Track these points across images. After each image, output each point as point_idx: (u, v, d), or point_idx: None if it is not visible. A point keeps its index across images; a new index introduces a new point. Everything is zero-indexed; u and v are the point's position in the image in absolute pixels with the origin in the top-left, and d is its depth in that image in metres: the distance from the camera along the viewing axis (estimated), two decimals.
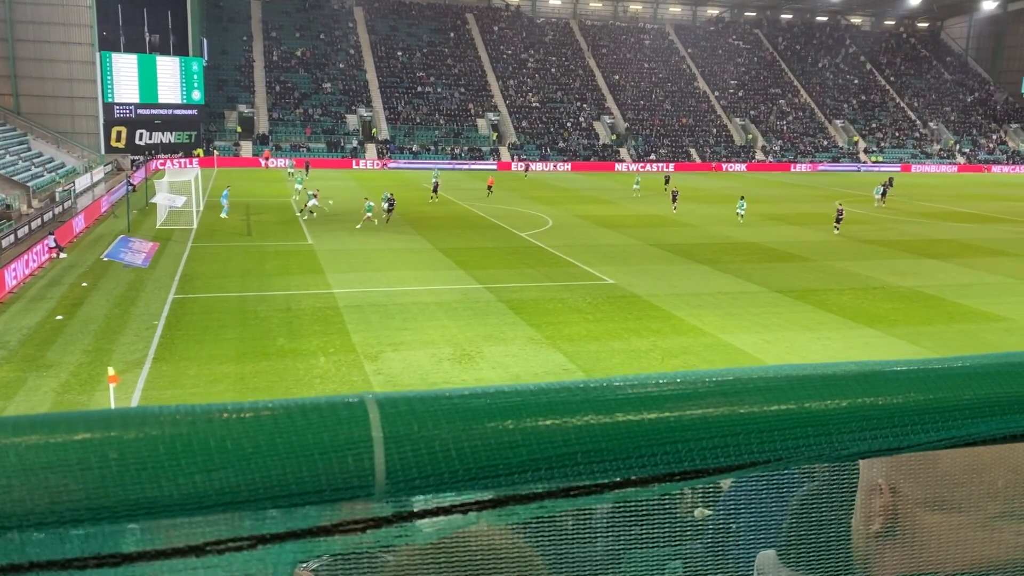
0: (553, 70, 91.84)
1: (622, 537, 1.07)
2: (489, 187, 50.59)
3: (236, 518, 0.76)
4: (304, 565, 0.82)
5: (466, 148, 78.45)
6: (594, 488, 0.85)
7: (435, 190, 48.49)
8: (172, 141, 71.03)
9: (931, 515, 1.12)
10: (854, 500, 1.19)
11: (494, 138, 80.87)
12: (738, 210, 41.28)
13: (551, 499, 0.84)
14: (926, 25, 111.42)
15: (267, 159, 71.60)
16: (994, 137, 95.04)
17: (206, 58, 75.40)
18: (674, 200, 45.33)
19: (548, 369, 18.40)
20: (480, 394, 0.84)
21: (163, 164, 63.73)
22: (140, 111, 69.44)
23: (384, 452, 0.78)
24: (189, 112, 71.81)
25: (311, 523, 0.78)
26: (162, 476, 0.73)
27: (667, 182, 46.37)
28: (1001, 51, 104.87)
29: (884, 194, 49.87)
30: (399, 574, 0.91)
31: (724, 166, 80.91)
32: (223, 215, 39.44)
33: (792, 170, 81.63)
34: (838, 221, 32.48)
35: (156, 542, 0.74)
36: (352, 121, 79.46)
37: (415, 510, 0.80)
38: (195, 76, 71.53)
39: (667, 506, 1.06)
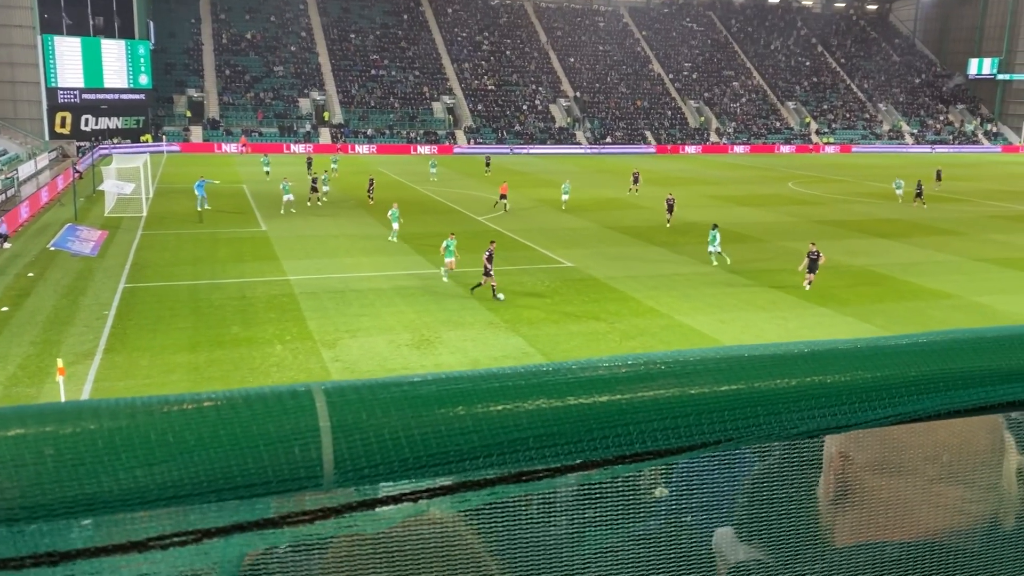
0: (508, 52, 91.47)
1: (579, 519, 1.06)
2: (502, 196, 39.22)
3: (180, 512, 0.75)
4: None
5: (422, 132, 77.86)
6: (547, 472, 0.84)
7: (370, 189, 41.25)
8: (119, 127, 69.31)
9: (878, 479, 1.15)
10: (809, 475, 1.21)
11: (450, 122, 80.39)
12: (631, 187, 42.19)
13: (503, 484, 0.83)
14: (875, 7, 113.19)
15: (244, 146, 70.11)
16: (941, 118, 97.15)
17: (153, 41, 73.55)
18: (635, 181, 45.43)
19: (507, 353, 18.43)
20: (430, 380, 0.83)
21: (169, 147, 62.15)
22: (85, 96, 67.57)
23: (332, 441, 0.76)
24: (136, 97, 70.08)
25: (258, 515, 0.76)
26: (101, 472, 0.71)
27: (635, 181, 45.84)
28: (947, 33, 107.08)
29: (920, 194, 42.87)
30: (350, 564, 0.90)
31: (681, 149, 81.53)
32: (204, 207, 37.55)
33: (741, 152, 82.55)
34: (811, 271, 23.52)
35: (96, 539, 0.72)
36: (305, 105, 78.31)
37: (365, 499, 0.79)
38: (142, 60, 69.77)
39: (626, 486, 1.06)
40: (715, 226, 28.57)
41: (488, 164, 57.53)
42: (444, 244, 25.21)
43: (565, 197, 39.74)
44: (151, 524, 0.73)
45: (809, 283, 24.00)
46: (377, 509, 0.79)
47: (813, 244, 24.51)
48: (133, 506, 0.72)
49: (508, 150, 75.94)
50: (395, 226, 30.88)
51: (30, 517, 0.69)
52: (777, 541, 1.18)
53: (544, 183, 51.09)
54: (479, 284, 23.00)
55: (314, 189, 39.73)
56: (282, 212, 36.81)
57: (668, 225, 34.48)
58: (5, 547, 0.69)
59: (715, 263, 27.47)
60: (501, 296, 22.61)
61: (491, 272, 22.61)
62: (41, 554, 0.70)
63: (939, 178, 50.68)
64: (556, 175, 56.07)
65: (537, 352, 18.46)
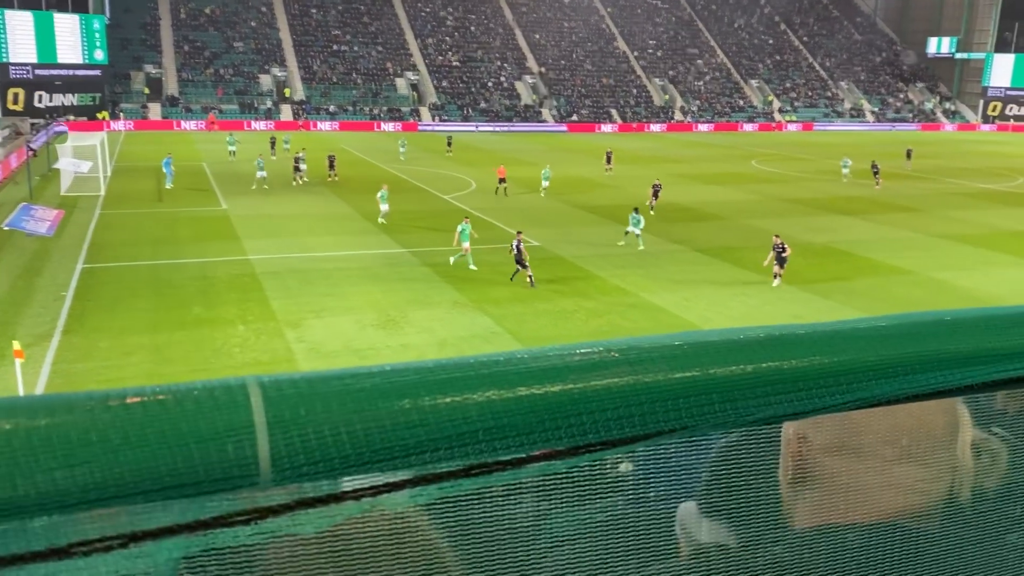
0: (473, 28, 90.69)
1: (536, 509, 1.04)
2: (501, 180, 37.13)
3: (105, 516, 0.70)
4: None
5: (385, 108, 77.07)
6: (498, 466, 0.81)
7: (331, 165, 40.44)
8: (75, 103, 67.67)
9: (836, 461, 1.14)
10: (771, 456, 1.20)
11: (414, 98, 79.66)
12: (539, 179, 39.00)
13: (454, 480, 0.80)
14: None
15: (212, 123, 68.72)
16: (901, 96, 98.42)
17: (108, 16, 71.76)
18: (608, 161, 45.22)
19: (475, 332, 18.41)
20: (374, 373, 0.79)
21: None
22: (38, 72, 65.83)
23: (268, 438, 0.72)
24: (92, 73, 68.42)
25: (190, 517, 0.72)
26: (16, 474, 0.67)
27: (608, 160, 45.48)
28: (908, 12, 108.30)
29: (877, 172, 42.35)
30: (292, 565, 0.86)
31: (645, 127, 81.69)
32: (168, 185, 37.22)
33: (704, 130, 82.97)
34: (779, 264, 22.13)
35: (12, 546, 0.68)
36: (266, 81, 77.04)
37: (305, 498, 0.75)
38: (97, 35, 68.06)
39: (583, 475, 1.04)
40: (636, 210, 27.68)
41: (449, 144, 55.84)
42: (459, 228, 24.03)
43: (545, 184, 37.09)
44: (73, 528, 0.69)
45: (778, 277, 22.41)
46: (319, 508, 0.75)
47: (777, 236, 22.95)
48: (52, 510, 0.67)
49: (473, 127, 75.49)
50: (384, 207, 29.82)
51: None
52: (740, 520, 1.17)
53: (512, 162, 50.93)
54: (516, 272, 22.43)
55: (297, 168, 38.82)
56: (253, 187, 36.45)
57: (652, 212, 32.39)
58: None
59: (622, 243, 26.90)
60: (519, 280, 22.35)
61: (526, 263, 22.14)
62: None
63: (909, 156, 50.67)
64: (523, 154, 55.89)
65: (505, 332, 18.46)
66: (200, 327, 18.39)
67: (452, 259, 23.89)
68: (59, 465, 0.68)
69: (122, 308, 19.63)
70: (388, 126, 73.89)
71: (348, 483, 0.77)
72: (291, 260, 24.45)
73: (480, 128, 75.86)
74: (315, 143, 55.54)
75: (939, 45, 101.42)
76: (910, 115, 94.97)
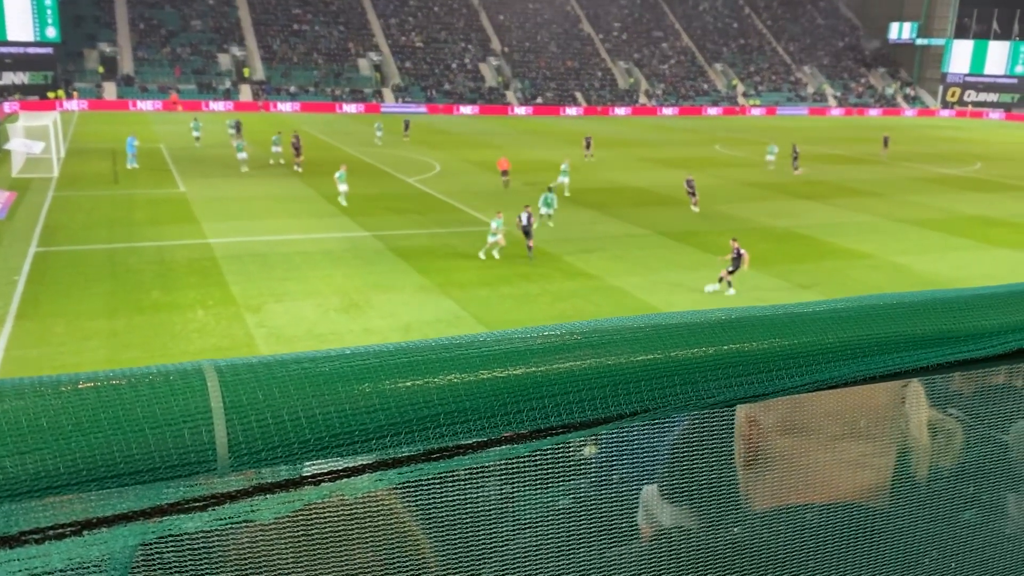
0: (436, 9, 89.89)
1: (509, 483, 1.04)
2: (504, 173, 34.86)
3: (58, 503, 0.69)
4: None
5: (348, 90, 76.19)
6: (459, 450, 0.81)
7: (299, 149, 38.41)
8: (26, 82, 65.86)
9: (786, 442, 1.16)
10: (729, 435, 1.21)
11: (377, 79, 78.86)
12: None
13: (414, 464, 0.79)
14: None
15: (175, 103, 67.21)
16: (862, 81, 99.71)
17: None
18: (588, 147, 44.63)
19: (439, 316, 18.36)
20: (332, 357, 0.78)
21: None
22: None
23: (225, 423, 0.71)
24: (44, 51, 66.60)
25: (146, 504, 0.71)
26: None
27: (588, 146, 44.82)
28: None
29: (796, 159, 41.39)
30: (252, 551, 0.85)
31: (610, 110, 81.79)
32: (130, 165, 36.50)
33: (669, 114, 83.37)
34: (733, 269, 20.36)
35: None
36: (224, 61, 75.68)
37: (264, 483, 0.74)
38: (49, 11, 66.20)
39: (546, 458, 1.04)
40: (550, 189, 27.76)
41: (407, 128, 52.56)
42: (493, 224, 22.85)
43: (565, 180, 32.99)
44: (24, 517, 0.67)
45: (726, 281, 20.66)
46: (278, 494, 0.74)
47: (735, 240, 21.31)
48: (1, 498, 0.66)
49: (422, 109, 74.90)
50: (343, 187, 29.81)
51: None
52: (700, 503, 1.18)
53: (476, 144, 50.71)
54: (529, 248, 23.42)
55: (297, 151, 37.42)
56: (244, 170, 36.00)
57: (696, 209, 30.53)
58: None
59: (552, 224, 26.74)
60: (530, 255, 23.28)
61: (531, 234, 23.53)
62: None
63: (886, 144, 49.98)
64: (488, 136, 55.68)
65: (469, 315, 18.44)
66: (158, 312, 18.11)
67: (482, 253, 23.05)
68: (8, 452, 0.66)
69: (78, 292, 19.24)
70: (349, 107, 73.02)
71: (308, 468, 0.76)
72: (251, 243, 24.13)
73: (462, 112, 75.30)
74: (276, 125, 54.78)
75: (900, 31, 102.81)
76: (872, 100, 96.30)
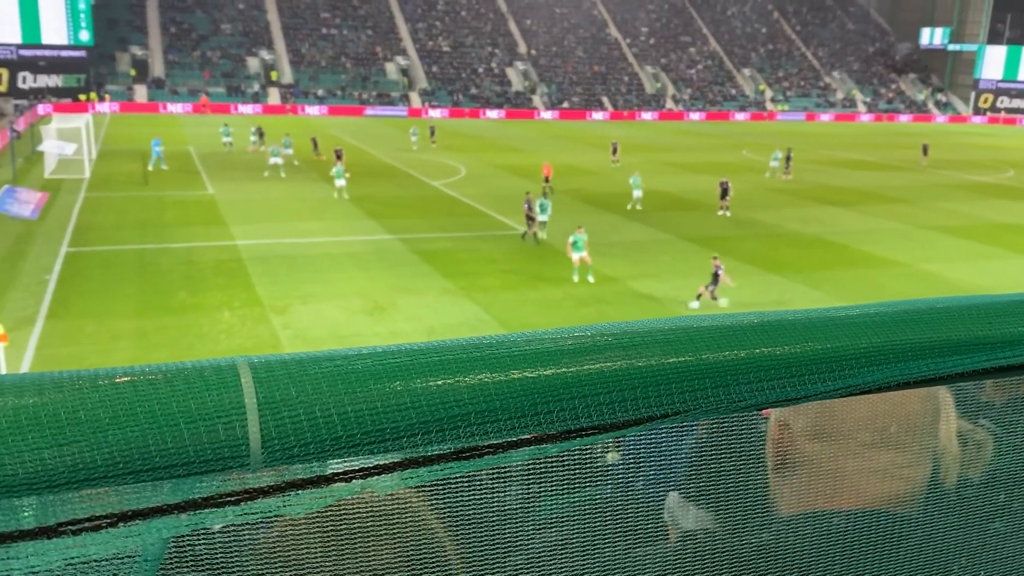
0: (463, 13, 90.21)
1: (533, 486, 1.04)
2: (546, 179, 34.38)
3: (95, 495, 0.70)
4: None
5: (375, 94, 76.65)
6: (488, 449, 0.81)
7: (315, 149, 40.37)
8: (60, 85, 66.96)
9: (817, 447, 1.15)
10: (756, 439, 1.21)
11: (404, 83, 79.26)
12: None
13: (445, 463, 0.80)
14: None
15: (204, 106, 68.00)
16: (893, 87, 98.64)
17: None
18: (614, 152, 44.48)
19: (463, 320, 18.40)
20: (365, 355, 0.78)
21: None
22: (22, 52, 65.07)
23: (259, 419, 0.72)
24: (77, 54, 67.68)
25: (180, 497, 0.72)
26: (4, 453, 0.66)
27: (615, 151, 44.79)
28: (901, 2, 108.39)
29: (789, 161, 41.63)
30: (282, 546, 0.86)
31: (637, 115, 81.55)
32: (161, 167, 36.81)
33: (696, 119, 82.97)
34: (713, 283, 19.51)
35: (1, 525, 0.67)
36: (253, 64, 76.45)
37: (296, 479, 0.75)
38: (82, 15, 67.27)
39: (574, 459, 1.04)
40: (545, 194, 26.66)
41: (433, 133, 51.04)
42: (571, 239, 21.34)
43: (638, 193, 31.40)
44: (62, 508, 0.68)
45: (710, 294, 19.92)
46: (309, 489, 0.75)
47: (716, 258, 20.64)
48: (40, 490, 0.67)
49: (441, 114, 75.14)
50: (339, 183, 30.92)
51: None
52: (727, 507, 1.18)
53: (502, 148, 50.80)
54: (529, 232, 25.21)
55: (339, 158, 36.73)
56: (283, 175, 36.12)
57: (728, 213, 30.49)
58: None
59: (544, 235, 26.00)
60: (529, 240, 24.77)
61: (534, 219, 25.15)
62: None
63: (925, 152, 48.60)
64: (513, 140, 55.76)
65: (493, 319, 18.46)
66: (186, 312, 18.31)
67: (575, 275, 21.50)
68: (47, 444, 0.67)
69: (107, 292, 19.51)
70: (377, 111, 73.41)
71: (339, 465, 0.76)
72: (278, 245, 24.34)
73: (488, 116, 75.48)
74: (303, 128, 55.25)
75: (931, 36, 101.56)
76: (902, 106, 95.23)
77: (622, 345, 0.85)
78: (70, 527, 0.68)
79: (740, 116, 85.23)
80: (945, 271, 23.86)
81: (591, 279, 21.29)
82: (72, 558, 0.68)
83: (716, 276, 19.93)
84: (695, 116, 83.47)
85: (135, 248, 23.74)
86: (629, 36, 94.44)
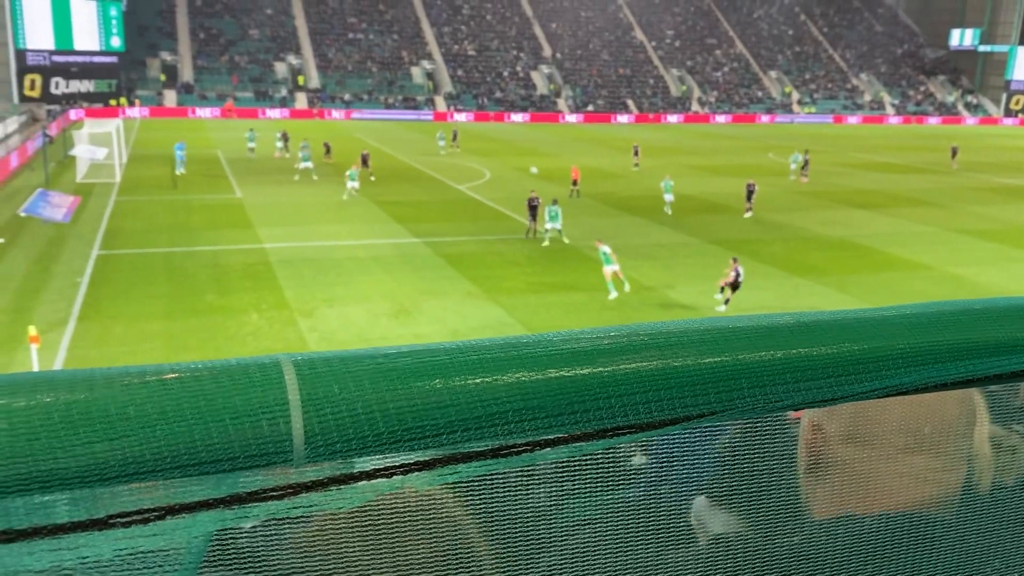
0: (488, 17, 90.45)
1: (559, 489, 1.04)
2: (574, 182, 34.25)
3: (143, 489, 0.71)
4: None
5: (400, 98, 77.05)
6: (526, 447, 0.82)
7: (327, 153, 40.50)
8: (91, 90, 68.00)
9: (850, 450, 1.14)
10: (787, 445, 1.20)
11: (429, 87, 79.60)
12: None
13: (482, 459, 0.81)
14: None
15: (230, 110, 68.79)
16: (921, 89, 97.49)
17: (124, 2, 71.98)
18: (636, 155, 44.32)
19: (487, 323, 18.42)
20: (405, 353, 0.80)
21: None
22: (55, 58, 66.15)
23: (302, 415, 0.73)
24: (108, 59, 68.71)
25: (226, 492, 0.73)
26: (57, 447, 0.68)
27: (636, 154, 44.68)
28: (930, 3, 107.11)
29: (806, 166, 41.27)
30: (323, 541, 0.87)
31: (662, 117, 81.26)
32: (179, 171, 37.37)
33: (722, 121, 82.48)
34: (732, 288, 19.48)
35: (54, 516, 0.69)
36: (281, 69, 77.17)
37: (338, 475, 0.76)
38: (113, 21, 68.31)
39: (607, 458, 1.04)
40: (555, 201, 26.15)
41: (455, 138, 50.39)
42: (601, 251, 20.55)
43: (670, 198, 30.88)
44: (112, 501, 0.70)
45: (725, 289, 19.81)
46: (351, 485, 0.76)
47: (735, 260, 20.10)
48: (92, 483, 0.68)
49: (466, 118, 75.28)
50: (351, 184, 31.73)
51: None
52: (755, 511, 1.17)
53: (526, 152, 50.84)
54: (535, 231, 26.21)
55: (365, 163, 37.58)
56: (315, 178, 36.23)
57: (750, 215, 30.61)
58: None
59: (547, 243, 25.47)
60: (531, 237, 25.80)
61: (534, 218, 26.26)
62: None
63: (954, 155, 47.77)
64: (539, 143, 55.78)
65: (516, 322, 18.47)
66: (214, 315, 18.50)
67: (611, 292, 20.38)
68: (98, 438, 0.69)
69: (137, 295, 19.76)
70: (403, 115, 73.73)
71: (379, 461, 0.77)
72: (305, 248, 24.52)
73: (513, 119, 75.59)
74: (330, 133, 55.64)
75: (962, 37, 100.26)
76: (931, 108, 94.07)
77: (658, 345, 0.86)
78: (120, 519, 0.70)
79: (766, 119, 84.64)
80: (974, 275, 23.53)
81: (627, 288, 20.49)
82: (121, 550, 0.69)
83: (737, 283, 19.59)
84: (721, 119, 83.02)
85: (164, 251, 24.04)
86: (655, 39, 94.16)
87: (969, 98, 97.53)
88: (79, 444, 0.68)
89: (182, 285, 20.64)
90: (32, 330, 14.90)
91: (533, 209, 26.29)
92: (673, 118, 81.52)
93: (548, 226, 25.64)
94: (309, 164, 36.89)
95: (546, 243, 25.59)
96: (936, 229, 29.80)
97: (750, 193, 31.08)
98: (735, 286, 19.76)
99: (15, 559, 0.68)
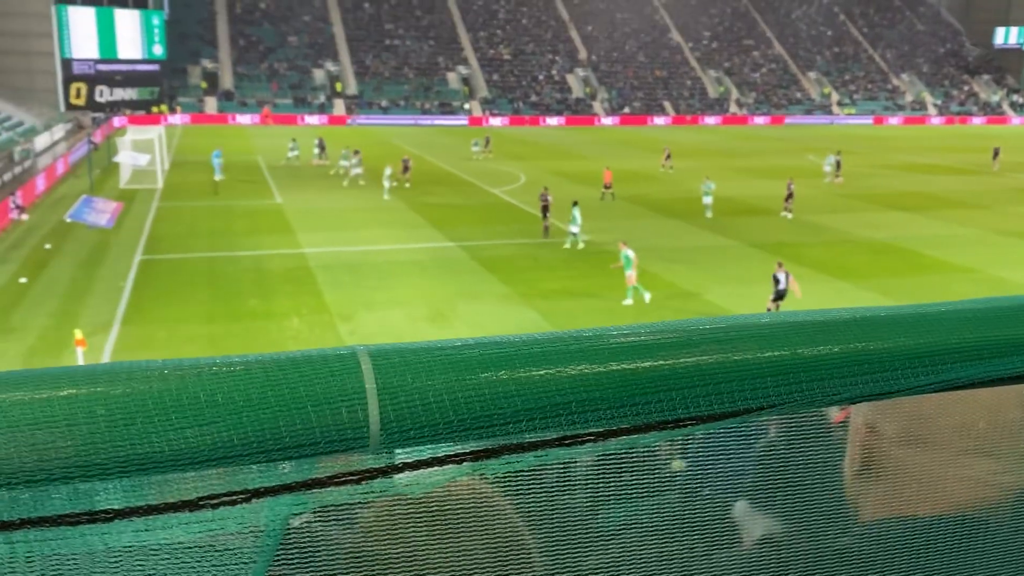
0: (524, 21, 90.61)
1: (601, 491, 1.06)
2: (606, 186, 33.96)
3: (230, 472, 0.75)
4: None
5: (436, 103, 77.49)
6: (589, 437, 0.85)
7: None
8: (134, 98, 69.40)
9: (904, 451, 1.14)
10: (834, 444, 1.20)
11: (465, 92, 79.94)
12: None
13: (548, 448, 0.83)
14: None
15: (267, 117, 69.77)
16: (965, 89, 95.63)
17: (167, 11, 73.40)
18: (667, 158, 44.20)
19: (522, 327, 18.44)
20: (473, 345, 0.83)
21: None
22: (100, 67, 67.62)
23: (378, 403, 0.77)
24: (151, 67, 70.08)
25: (306, 476, 0.77)
26: (151, 431, 0.72)
27: (668, 157, 44.44)
28: (973, 1, 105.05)
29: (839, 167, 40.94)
30: (391, 524, 0.91)
31: (700, 119, 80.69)
32: (217, 176, 37.99)
33: (760, 123, 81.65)
34: (777, 299, 19.04)
35: (148, 497, 0.73)
36: (319, 76, 78.07)
37: (410, 461, 0.79)
38: (156, 30, 69.68)
39: (645, 458, 1.06)
40: (575, 203, 25.61)
41: (487, 143, 49.56)
42: (622, 256, 20.20)
43: (708, 200, 30.66)
44: (202, 483, 0.74)
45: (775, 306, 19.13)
46: (423, 471, 0.79)
47: (780, 265, 19.50)
48: (183, 466, 0.73)
49: (501, 122, 75.36)
50: (387, 184, 33.51)
51: (85, 476, 0.70)
52: (800, 513, 1.18)
53: (561, 155, 50.84)
54: (545, 224, 27.11)
55: (406, 168, 37.81)
56: (363, 183, 36.58)
57: (790, 215, 30.64)
58: (63, 504, 0.70)
59: (568, 245, 25.33)
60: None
61: (546, 215, 27.18)
62: (97, 511, 0.71)
63: (996, 156, 46.67)
64: (574, 147, 55.73)
65: (551, 326, 18.46)
66: (255, 319, 18.77)
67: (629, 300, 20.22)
68: (190, 424, 0.73)
69: (179, 299, 20.12)
70: (438, 120, 74.10)
71: (450, 448, 0.81)
72: (344, 253, 24.78)
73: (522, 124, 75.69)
74: (367, 139, 56.12)
75: (1006, 36, 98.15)
76: (975, 108, 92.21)
77: (717, 339, 0.88)
78: (210, 501, 0.74)
79: (805, 120, 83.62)
80: (1019, 277, 23.02)
81: (647, 298, 20.08)
82: (213, 530, 0.73)
83: (781, 290, 18.72)
84: (759, 120, 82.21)
85: (206, 256, 24.44)
86: (691, 40, 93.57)
87: (1015, 97, 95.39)
88: (172, 430, 0.72)
89: (223, 289, 20.97)
90: (78, 333, 15.26)
91: (545, 208, 27.28)
92: (711, 120, 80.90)
93: (571, 229, 25.48)
94: (359, 170, 37.27)
95: (567, 246, 25.52)
96: (979, 231, 29.22)
97: (790, 193, 31.04)
98: (780, 296, 18.91)
99: (114, 538, 0.72)
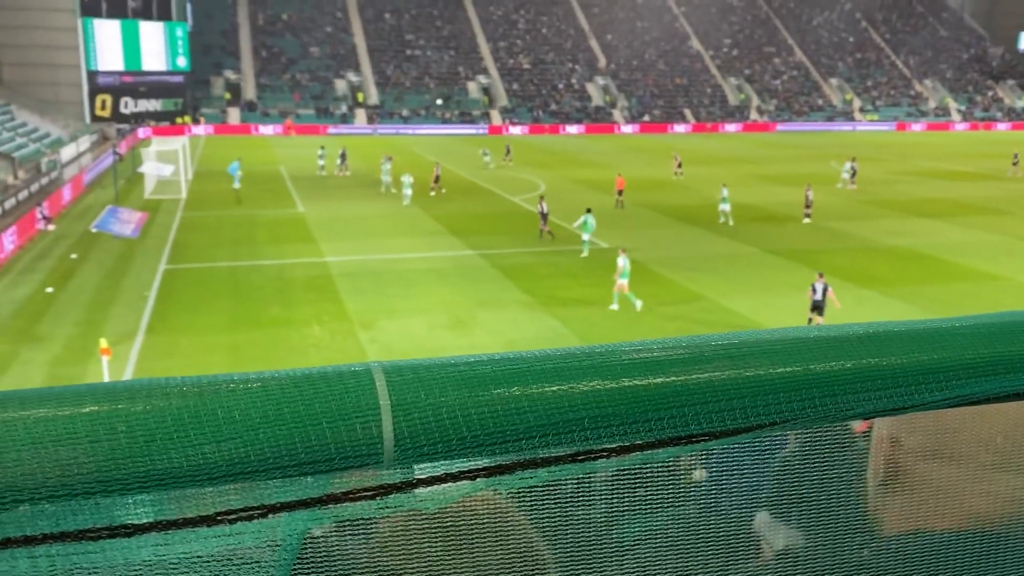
0: (544, 30, 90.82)
1: (620, 503, 1.06)
2: (619, 192, 34.44)
3: (247, 488, 0.77)
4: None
5: (457, 112, 77.79)
6: (602, 453, 0.85)
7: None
8: (158, 109, 70.24)
9: (928, 465, 1.13)
10: (855, 457, 1.20)
11: (485, 102, 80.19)
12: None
13: (561, 464, 0.84)
14: None
15: (289, 128, 70.36)
16: (989, 94, 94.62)
17: (190, 23, 74.28)
18: (679, 165, 44.18)
19: (542, 334, 18.44)
20: (486, 361, 0.84)
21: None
22: (125, 79, 68.53)
23: (392, 420, 0.78)
24: (175, 79, 70.92)
25: (321, 491, 0.78)
26: (171, 447, 0.74)
27: (679, 165, 44.46)
28: (997, 6, 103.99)
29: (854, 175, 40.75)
30: (405, 539, 0.92)
31: (720, 127, 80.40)
32: (235, 185, 38.25)
33: (782, 130, 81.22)
34: (817, 311, 18.48)
35: (167, 512, 0.74)
36: (341, 86, 78.64)
37: (424, 477, 0.80)
38: (180, 41, 70.54)
39: (660, 473, 1.06)
40: (588, 211, 25.70)
41: (508, 153, 50.22)
42: (620, 265, 20.26)
43: (726, 207, 30.57)
44: (219, 499, 0.76)
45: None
46: (437, 486, 0.80)
47: (821, 276, 19.08)
48: (202, 482, 0.74)
49: (521, 131, 75.45)
50: (407, 192, 33.94)
51: (106, 491, 0.71)
52: (821, 526, 1.17)
53: (581, 163, 50.83)
54: (549, 231, 27.81)
55: (436, 179, 38.21)
56: (394, 191, 36.89)
57: (809, 220, 30.87)
58: (83, 519, 0.71)
59: (585, 254, 25.34)
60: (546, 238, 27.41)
61: (545, 219, 27.86)
62: (116, 527, 0.72)
63: (1016, 162, 45.96)
64: (594, 155, 55.71)
65: (572, 334, 18.44)
66: (277, 327, 18.89)
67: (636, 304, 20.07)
68: (207, 440, 0.74)
69: (202, 308, 20.30)
70: (459, 129, 74.37)
71: (463, 464, 0.82)
72: (365, 262, 24.90)
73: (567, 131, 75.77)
74: (389, 149, 56.42)
75: None
76: (1000, 114, 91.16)
77: (730, 355, 0.88)
78: (227, 516, 0.75)
79: (828, 127, 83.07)
80: None
81: (638, 305, 19.87)
82: (230, 545, 0.75)
83: (817, 300, 18.20)
84: (780, 127, 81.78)
85: (229, 265, 24.66)
86: (711, 48, 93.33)
87: None
88: (190, 446, 0.74)
89: (246, 298, 21.14)
90: (103, 342, 15.42)
91: (543, 215, 28.14)
92: (731, 127, 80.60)
93: (585, 238, 25.61)
94: (388, 179, 37.73)
95: (584, 254, 25.51)
96: (1004, 238, 28.85)
97: (808, 201, 31.20)
98: (817, 307, 18.32)
99: (134, 553, 0.73)
